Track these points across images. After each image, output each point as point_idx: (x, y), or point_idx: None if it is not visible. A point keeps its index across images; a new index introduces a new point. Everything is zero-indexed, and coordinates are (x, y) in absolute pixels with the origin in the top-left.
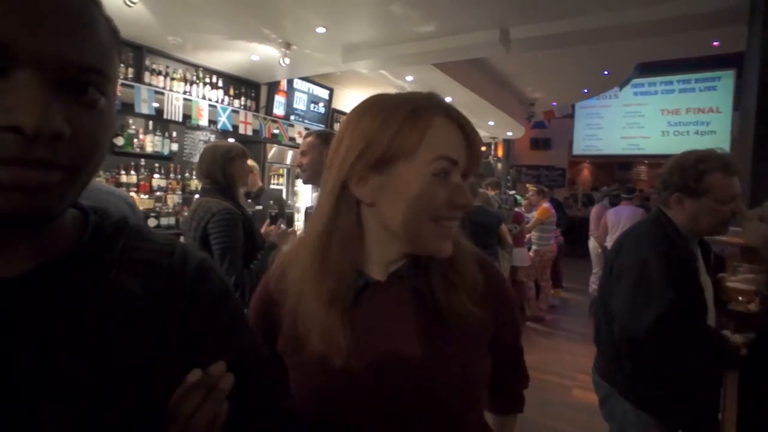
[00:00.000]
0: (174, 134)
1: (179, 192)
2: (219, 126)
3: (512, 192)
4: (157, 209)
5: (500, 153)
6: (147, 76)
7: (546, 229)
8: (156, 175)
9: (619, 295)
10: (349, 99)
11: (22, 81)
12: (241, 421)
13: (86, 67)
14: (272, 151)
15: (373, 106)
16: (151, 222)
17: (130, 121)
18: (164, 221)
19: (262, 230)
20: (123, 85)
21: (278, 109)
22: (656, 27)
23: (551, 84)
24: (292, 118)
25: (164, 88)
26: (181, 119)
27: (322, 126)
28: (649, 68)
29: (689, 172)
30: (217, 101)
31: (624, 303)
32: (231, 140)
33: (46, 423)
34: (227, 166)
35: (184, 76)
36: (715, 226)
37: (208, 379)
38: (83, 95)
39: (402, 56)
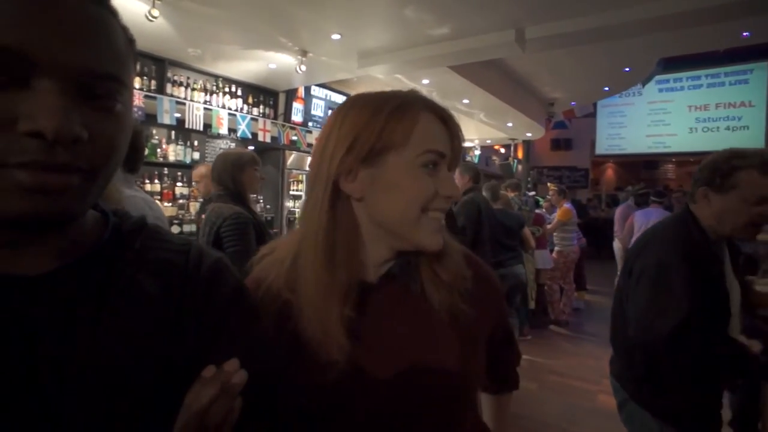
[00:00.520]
0: (195, 143)
1: (201, 200)
2: (239, 134)
3: (532, 193)
4: (180, 216)
5: (520, 154)
6: (169, 88)
7: (568, 230)
8: (179, 184)
9: (636, 299)
10: None
11: (42, 88)
12: (252, 417)
13: (103, 74)
14: (291, 157)
15: (358, 101)
16: (174, 229)
17: (153, 131)
18: (186, 228)
19: None
20: (146, 96)
21: (296, 116)
22: (679, 20)
23: (570, 83)
24: (310, 124)
25: (185, 98)
26: (202, 128)
27: None
28: (674, 63)
29: (721, 167)
30: (236, 110)
31: (640, 309)
32: (250, 148)
33: (69, 412)
34: (237, 173)
35: (205, 86)
36: (741, 228)
37: (222, 375)
38: (100, 101)
39: (417, 60)
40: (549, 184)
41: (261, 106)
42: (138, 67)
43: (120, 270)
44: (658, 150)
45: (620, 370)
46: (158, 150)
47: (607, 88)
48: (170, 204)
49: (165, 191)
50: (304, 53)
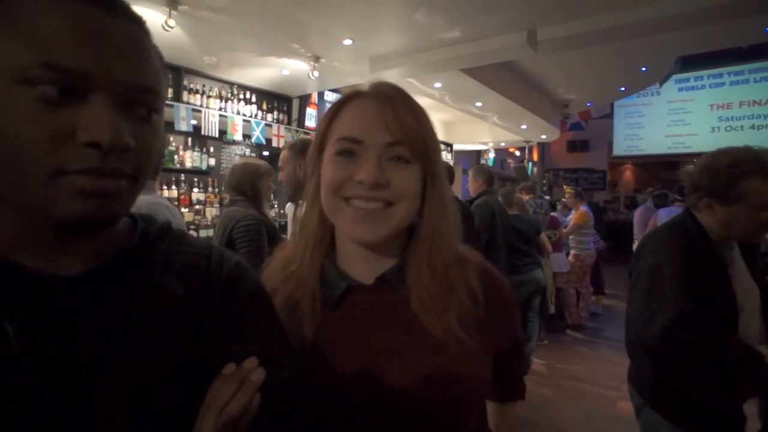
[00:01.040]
0: (211, 149)
1: (217, 205)
2: (253, 140)
3: (547, 197)
4: (197, 222)
5: (536, 157)
6: (185, 95)
7: (585, 233)
8: (195, 189)
9: (632, 302)
10: None
11: (97, 103)
12: (268, 412)
13: (145, 89)
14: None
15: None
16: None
17: (171, 139)
18: (203, 233)
19: None
20: None
21: (310, 121)
22: (694, 18)
23: (585, 84)
24: None
25: (201, 105)
26: (217, 135)
27: None
28: (694, 62)
29: (721, 176)
30: (251, 116)
31: (636, 309)
32: (265, 153)
33: (102, 402)
34: (257, 181)
35: (220, 93)
36: (750, 233)
37: (241, 372)
38: (141, 112)
39: (429, 63)
40: (565, 186)
41: (275, 112)
42: None
43: (148, 271)
44: (678, 150)
45: (634, 375)
46: (175, 156)
47: (623, 89)
48: (187, 210)
49: (182, 197)
50: (316, 59)
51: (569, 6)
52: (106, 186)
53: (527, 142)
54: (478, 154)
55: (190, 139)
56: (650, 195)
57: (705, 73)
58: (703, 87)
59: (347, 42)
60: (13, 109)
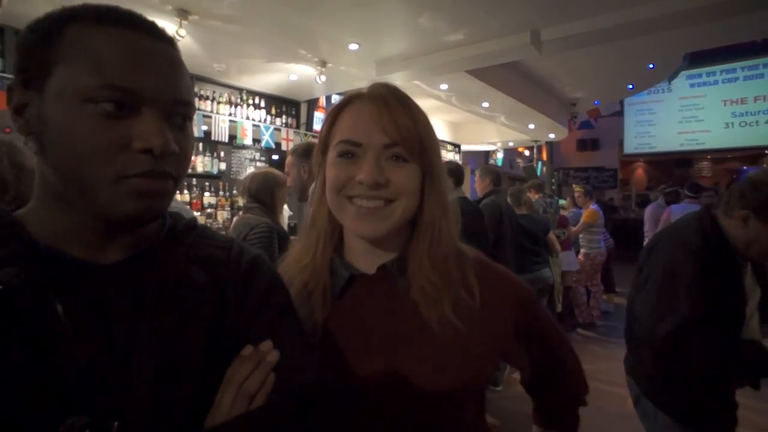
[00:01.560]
0: (222, 154)
1: (228, 208)
2: (263, 144)
3: (556, 198)
4: (208, 225)
5: (545, 156)
6: (196, 102)
7: (595, 232)
8: (206, 193)
9: (643, 298)
10: None
11: (148, 115)
12: (280, 391)
13: (183, 101)
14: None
15: None
16: None
17: None
18: None
19: None
20: None
21: (318, 125)
22: (701, 14)
23: (592, 82)
24: None
25: (212, 111)
26: (227, 140)
27: None
28: (706, 57)
29: None
30: (260, 121)
31: (647, 306)
32: (274, 157)
33: (137, 372)
34: (276, 191)
35: (229, 99)
36: (765, 255)
37: (257, 354)
38: (179, 121)
39: (435, 66)
40: (574, 185)
41: (284, 117)
42: None
43: (175, 261)
44: (691, 147)
45: (633, 366)
46: None
47: (631, 86)
48: (199, 213)
49: (194, 201)
50: (323, 64)
51: (571, 6)
52: (158, 187)
53: (535, 141)
54: (487, 154)
55: (201, 144)
56: (662, 192)
57: (717, 68)
58: (715, 82)
59: (353, 47)
60: (80, 124)
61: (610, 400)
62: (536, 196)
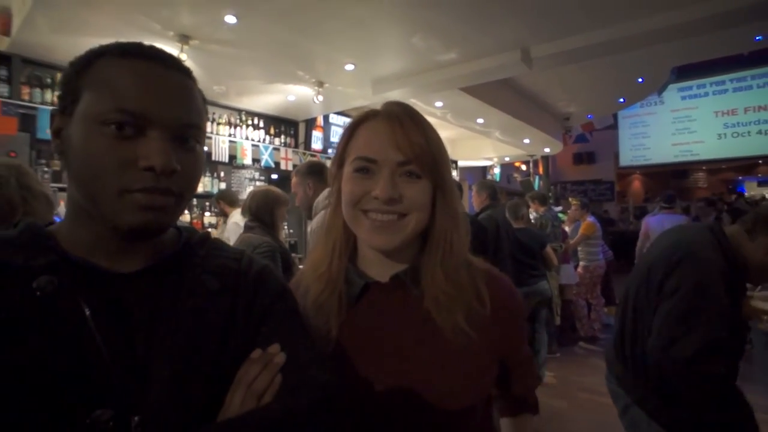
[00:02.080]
0: (222, 174)
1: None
2: (262, 163)
3: (559, 209)
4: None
5: (541, 170)
6: None
7: (593, 244)
8: (207, 213)
9: (665, 312)
10: None
11: (153, 137)
12: (286, 390)
13: (190, 125)
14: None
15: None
16: None
17: None
18: None
19: None
20: None
21: (316, 144)
22: (687, 29)
23: (584, 96)
24: (330, 151)
25: (211, 132)
26: (227, 160)
27: None
28: (694, 70)
29: None
30: (259, 141)
31: (668, 323)
32: (274, 176)
33: (155, 371)
34: (276, 209)
35: (229, 120)
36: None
37: (266, 356)
38: (187, 143)
39: (429, 84)
40: (571, 198)
41: (282, 136)
42: None
43: (189, 270)
44: (685, 158)
45: (623, 375)
46: None
47: (622, 99)
48: None
49: (194, 221)
50: (320, 84)
51: (560, 24)
52: (158, 202)
53: (531, 155)
54: (484, 170)
55: None
56: (658, 204)
57: (707, 80)
58: (706, 94)
59: (349, 67)
60: (94, 143)
61: (613, 414)
62: (542, 209)
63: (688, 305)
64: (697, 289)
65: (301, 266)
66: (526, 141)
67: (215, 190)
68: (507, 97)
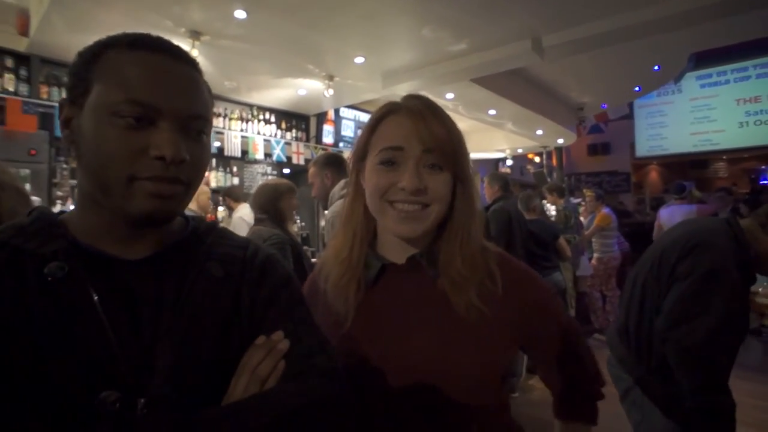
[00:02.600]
0: (234, 169)
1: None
2: (274, 158)
3: (578, 200)
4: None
5: (555, 161)
6: None
7: (608, 236)
8: (220, 208)
9: (677, 295)
10: None
11: (163, 127)
12: (290, 375)
13: (198, 116)
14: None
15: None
16: None
17: None
18: None
19: None
20: None
21: (327, 138)
22: (703, 13)
23: (598, 86)
24: (341, 145)
25: (224, 128)
26: (240, 155)
27: None
28: (714, 56)
29: None
30: (271, 135)
31: (679, 305)
32: (286, 171)
33: (160, 355)
34: (276, 201)
35: (241, 115)
36: None
37: (269, 343)
38: (194, 134)
39: (440, 76)
40: (585, 189)
41: (294, 131)
42: None
43: (195, 258)
44: (704, 148)
45: (626, 356)
46: None
47: (638, 88)
48: None
49: (208, 215)
50: (330, 78)
51: (571, 12)
52: (167, 190)
53: (544, 147)
54: (497, 162)
55: (214, 160)
56: (673, 194)
57: (728, 67)
58: (727, 82)
59: (359, 60)
60: (106, 133)
61: None
62: (560, 201)
63: (700, 289)
64: (710, 274)
65: (313, 259)
66: (539, 132)
67: (228, 185)
68: (519, 87)
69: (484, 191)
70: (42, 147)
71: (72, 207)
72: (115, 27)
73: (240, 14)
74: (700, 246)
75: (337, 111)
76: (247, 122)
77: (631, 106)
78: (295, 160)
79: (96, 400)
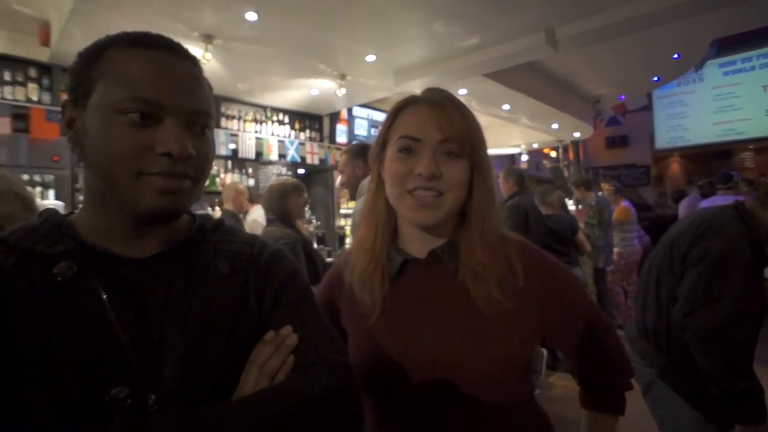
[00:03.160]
0: (250, 170)
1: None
2: (288, 159)
3: (601, 193)
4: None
5: (571, 156)
6: (223, 122)
7: (628, 229)
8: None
9: (692, 281)
10: None
11: (169, 124)
12: (299, 370)
13: (200, 111)
14: (340, 177)
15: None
16: None
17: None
18: None
19: None
20: None
21: (341, 137)
22: None
23: (614, 77)
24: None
25: (238, 130)
26: (254, 156)
27: None
28: (737, 43)
29: None
30: (285, 136)
31: (696, 291)
32: (300, 171)
33: (169, 351)
34: (281, 201)
35: (254, 117)
36: None
37: (278, 338)
38: (199, 129)
39: (452, 71)
40: (603, 183)
41: (307, 131)
42: None
43: (202, 255)
44: (729, 138)
45: (646, 349)
46: (217, 180)
47: (656, 78)
48: None
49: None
50: (342, 77)
51: (585, 2)
52: (175, 185)
53: (560, 141)
54: (512, 158)
55: (230, 162)
56: (696, 186)
57: (754, 53)
58: (752, 68)
59: (370, 58)
60: (112, 132)
61: None
62: (589, 194)
63: (714, 273)
64: (723, 257)
65: (329, 259)
66: (555, 126)
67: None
68: (533, 81)
69: (500, 187)
70: (65, 153)
71: None
72: None
73: (251, 16)
74: (710, 230)
75: (350, 110)
76: (261, 124)
77: (649, 96)
78: (309, 160)
79: (107, 396)
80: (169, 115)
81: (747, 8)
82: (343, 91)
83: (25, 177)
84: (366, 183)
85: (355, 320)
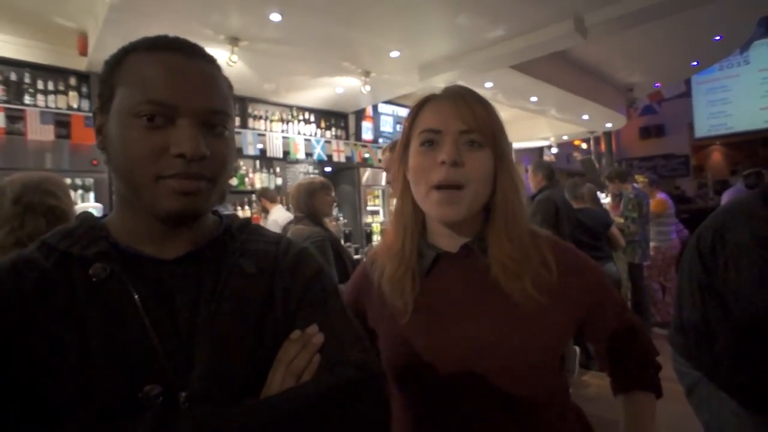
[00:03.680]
0: (277, 170)
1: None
2: (315, 157)
3: (636, 185)
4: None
5: (603, 147)
6: (251, 122)
7: (665, 223)
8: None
9: (743, 276)
10: None
11: (183, 125)
12: (325, 369)
13: (217, 111)
14: (366, 174)
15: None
16: None
17: (241, 163)
18: None
19: None
20: None
21: (366, 134)
22: None
23: (649, 63)
24: (380, 140)
25: (265, 130)
26: (282, 156)
27: None
28: None
29: None
30: (311, 135)
31: (753, 284)
32: (327, 169)
33: (198, 349)
34: (309, 199)
35: (281, 116)
36: None
37: (304, 337)
38: (215, 129)
39: (478, 64)
40: (637, 176)
41: (333, 129)
42: None
43: (228, 255)
44: None
45: (686, 349)
46: (246, 179)
47: (695, 63)
48: None
49: (254, 216)
50: (367, 74)
51: None
52: (191, 186)
53: (591, 132)
54: (540, 151)
55: (258, 162)
56: (741, 176)
57: None
58: None
59: (394, 54)
60: (129, 135)
61: None
62: (626, 187)
63: (762, 260)
64: (761, 243)
65: (356, 256)
66: (585, 117)
67: (272, 186)
68: (561, 71)
69: (529, 181)
70: (102, 157)
71: None
72: None
73: (275, 17)
74: (729, 222)
75: (375, 107)
76: (287, 123)
77: (688, 82)
78: (335, 158)
79: (140, 394)
80: (183, 116)
81: None
82: (368, 88)
83: (68, 181)
84: None
85: (385, 321)
